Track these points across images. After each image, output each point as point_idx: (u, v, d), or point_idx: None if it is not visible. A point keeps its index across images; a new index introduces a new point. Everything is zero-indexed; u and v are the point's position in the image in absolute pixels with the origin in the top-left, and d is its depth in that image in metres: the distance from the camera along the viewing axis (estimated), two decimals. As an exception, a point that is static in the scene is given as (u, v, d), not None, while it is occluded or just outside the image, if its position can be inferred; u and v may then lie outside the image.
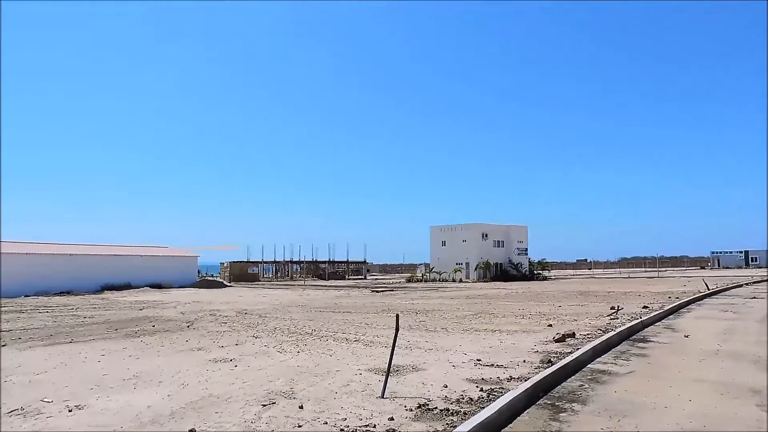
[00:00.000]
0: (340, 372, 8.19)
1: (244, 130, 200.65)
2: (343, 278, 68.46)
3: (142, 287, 41.76)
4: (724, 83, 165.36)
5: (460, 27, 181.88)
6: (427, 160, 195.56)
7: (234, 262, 62.63)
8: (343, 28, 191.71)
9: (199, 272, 55.93)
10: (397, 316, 7.56)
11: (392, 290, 36.44)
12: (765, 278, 42.35)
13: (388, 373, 6.88)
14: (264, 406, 6.26)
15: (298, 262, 68.96)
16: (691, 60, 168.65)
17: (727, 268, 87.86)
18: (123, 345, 11.69)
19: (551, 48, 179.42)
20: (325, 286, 46.98)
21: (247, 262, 64.12)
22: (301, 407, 6.14)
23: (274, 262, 67.61)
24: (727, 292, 27.25)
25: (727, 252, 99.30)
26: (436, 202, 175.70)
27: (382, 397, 6.49)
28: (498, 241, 57.60)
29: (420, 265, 70.26)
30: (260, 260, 65.59)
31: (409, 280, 56.24)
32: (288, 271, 69.55)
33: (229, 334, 13.19)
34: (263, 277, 65.52)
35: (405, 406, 6.09)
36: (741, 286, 32.72)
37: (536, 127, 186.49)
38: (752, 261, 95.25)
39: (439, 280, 54.07)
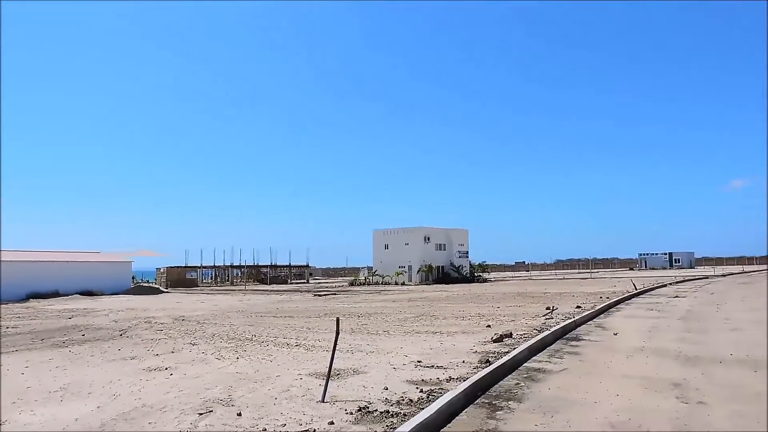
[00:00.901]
0: (281, 377, 8.08)
1: (185, 132, 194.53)
2: (286, 282, 67.59)
3: (72, 295, 39.65)
4: (641, 78, 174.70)
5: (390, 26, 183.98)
6: (370, 164, 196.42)
7: (171, 267, 60.59)
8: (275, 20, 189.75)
9: (134, 278, 53.76)
10: (338, 319, 7.54)
11: (335, 294, 36.29)
12: (687, 278, 45.12)
13: (328, 377, 6.85)
14: (200, 414, 6.10)
15: (239, 267, 67.49)
16: (613, 54, 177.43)
17: (653, 269, 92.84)
18: (49, 356, 11.07)
19: (488, 44, 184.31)
20: (267, 290, 46.21)
21: (185, 267, 62.16)
22: (239, 414, 6.02)
23: (214, 266, 65.91)
24: (652, 292, 28.77)
25: (653, 254, 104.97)
26: (379, 207, 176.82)
27: (323, 402, 6.46)
28: (440, 244, 58.53)
29: (363, 268, 70.41)
30: (199, 265, 63.77)
31: (351, 284, 56.20)
32: (228, 276, 67.97)
33: (165, 342, 12.75)
34: (202, 283, 63.73)
35: (345, 410, 6.09)
36: (665, 286, 34.63)
37: (478, 131, 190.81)
38: (676, 262, 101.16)
39: (382, 284, 54.31)
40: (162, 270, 61.11)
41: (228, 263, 66.25)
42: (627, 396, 6.71)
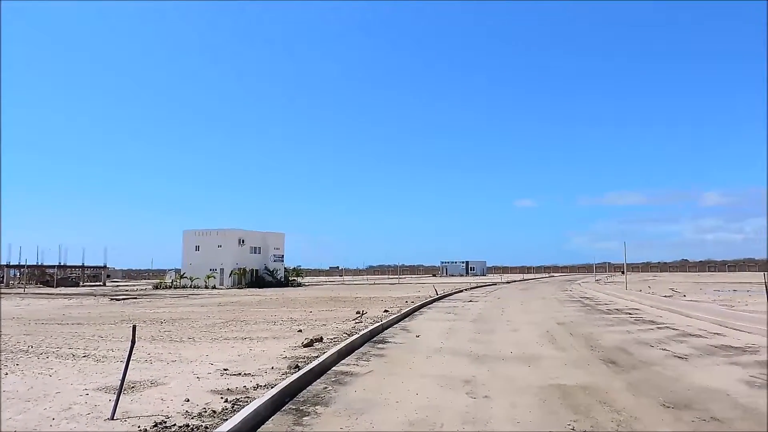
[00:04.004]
0: (61, 394, 7.08)
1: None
2: (77, 285, 60.20)
3: None
4: (451, 96, 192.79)
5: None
6: (182, 163, 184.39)
7: None
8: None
9: None
10: (134, 327, 6.87)
11: (135, 298, 33.27)
12: (479, 285, 50.57)
13: (120, 390, 6.18)
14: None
15: (17, 267, 58.30)
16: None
17: (452, 275, 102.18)
18: None
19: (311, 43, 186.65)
20: (53, 294, 40.58)
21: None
22: (2, 441, 5.12)
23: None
24: (450, 297, 31.55)
25: (453, 262, 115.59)
26: (191, 207, 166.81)
27: (112, 419, 5.81)
28: (255, 248, 57.28)
29: (170, 271, 65.82)
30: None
31: (156, 287, 52.13)
32: (4, 277, 58.29)
33: None
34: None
35: (139, 426, 5.54)
36: (462, 291, 38.29)
37: (291, 138, 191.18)
38: (471, 270, 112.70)
39: (191, 287, 51.32)
40: None
41: (4, 262, 56.85)
42: (425, 394, 7.19)
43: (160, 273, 73.90)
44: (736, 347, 11.01)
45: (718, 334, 13.15)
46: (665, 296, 28.13)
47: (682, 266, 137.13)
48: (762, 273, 43.56)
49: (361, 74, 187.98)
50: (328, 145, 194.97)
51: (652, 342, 11.87)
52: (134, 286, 60.16)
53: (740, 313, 17.14)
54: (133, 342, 6.52)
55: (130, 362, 6.45)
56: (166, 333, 14.07)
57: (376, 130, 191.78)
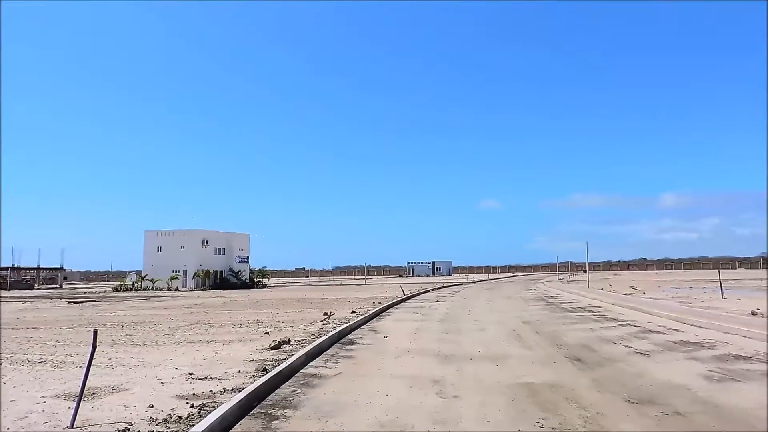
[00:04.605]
0: (16, 402, 6.78)
1: None
2: (32, 288, 58.02)
3: None
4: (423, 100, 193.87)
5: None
6: (144, 160, 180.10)
7: None
8: None
9: None
10: (95, 331, 6.63)
11: (94, 301, 32.27)
12: (446, 285, 50.93)
13: (80, 397, 5.95)
14: None
15: (-34, 269, 55.95)
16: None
17: (419, 276, 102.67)
18: None
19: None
20: (6, 297, 39.01)
21: None
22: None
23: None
24: (418, 297, 31.67)
25: (419, 263, 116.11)
26: (155, 207, 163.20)
27: (72, 427, 5.59)
28: (219, 249, 56.32)
29: (131, 272, 64.07)
30: None
31: (116, 289, 50.71)
32: (-50, 280, 55.78)
33: None
34: None
35: (100, 435, 5.35)
36: (429, 291, 38.48)
37: (258, 138, 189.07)
38: (437, 270, 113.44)
39: (153, 289, 50.11)
40: None
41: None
42: (395, 395, 7.17)
43: (121, 275, 71.91)
44: (695, 343, 11.37)
45: (677, 330, 13.56)
46: (626, 294, 28.93)
47: (641, 265, 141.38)
48: (716, 270, 45.25)
49: (325, 72, 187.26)
50: (293, 144, 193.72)
51: (614, 339, 12.15)
52: (93, 288, 58.39)
53: (698, 310, 17.74)
54: (94, 346, 6.29)
55: (91, 367, 6.23)
56: (128, 337, 13.68)
57: (344, 130, 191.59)
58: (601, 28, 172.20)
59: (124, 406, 6.54)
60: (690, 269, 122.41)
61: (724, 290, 26.19)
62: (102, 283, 74.82)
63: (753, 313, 16.07)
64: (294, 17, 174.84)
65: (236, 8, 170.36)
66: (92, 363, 6.23)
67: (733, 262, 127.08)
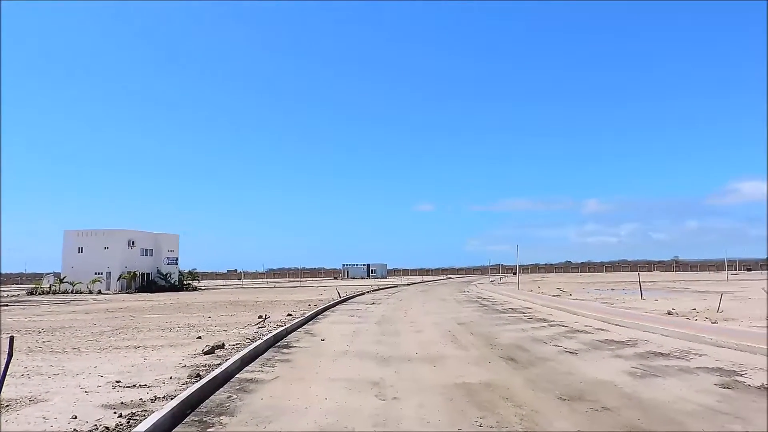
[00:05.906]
0: None
1: None
2: (-67, 292, 53.32)
3: None
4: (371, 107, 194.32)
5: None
6: (64, 154, 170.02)
7: None
8: None
9: None
10: (11, 338, 6.14)
11: (6, 305, 30.08)
12: (381, 287, 51.23)
13: (-6, 410, 5.50)
14: None
15: None
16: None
17: (354, 278, 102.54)
18: None
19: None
20: None
21: None
22: None
23: None
24: (353, 300, 31.63)
25: (354, 265, 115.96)
26: (76, 205, 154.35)
27: (-16, 443, 5.15)
28: (146, 250, 54.02)
29: (48, 274, 60.27)
30: None
31: (31, 293, 47.51)
32: None
33: None
34: None
35: (17, 450, 4.96)
36: (364, 294, 38.53)
37: (189, 138, 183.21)
38: (372, 272, 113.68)
39: (73, 292, 47.35)
40: None
41: None
42: (334, 398, 7.10)
43: (36, 277, 67.38)
44: (618, 341, 11.98)
45: (602, 329, 14.25)
46: (554, 295, 30.15)
47: (567, 267, 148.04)
48: (635, 273, 47.97)
49: (267, 73, 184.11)
50: (227, 143, 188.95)
51: (545, 339, 12.61)
52: (4, 291, 54.38)
53: (620, 310, 18.75)
54: (10, 354, 5.82)
55: (5, 378, 5.76)
56: (46, 343, 12.81)
57: (278, 131, 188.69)
58: (511, 30, 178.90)
59: (44, 418, 6.11)
60: (611, 272, 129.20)
61: (643, 291, 27.82)
62: (14, 286, 69.96)
63: (669, 313, 17.18)
64: None
65: None
66: (6, 373, 5.77)
67: (649, 266, 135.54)
